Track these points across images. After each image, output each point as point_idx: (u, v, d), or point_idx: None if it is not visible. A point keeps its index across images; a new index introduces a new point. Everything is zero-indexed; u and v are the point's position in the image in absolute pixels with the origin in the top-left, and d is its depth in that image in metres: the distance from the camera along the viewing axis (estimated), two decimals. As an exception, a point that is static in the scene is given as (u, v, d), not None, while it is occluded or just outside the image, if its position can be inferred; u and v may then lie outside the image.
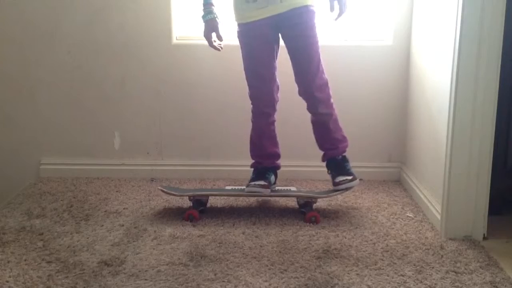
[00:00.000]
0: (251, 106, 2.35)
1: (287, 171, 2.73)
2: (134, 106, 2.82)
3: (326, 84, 2.29)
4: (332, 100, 2.31)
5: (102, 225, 2.23)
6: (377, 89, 2.78)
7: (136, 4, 2.71)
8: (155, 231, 2.17)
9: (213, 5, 2.30)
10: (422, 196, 2.44)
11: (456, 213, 2.10)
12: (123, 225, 2.23)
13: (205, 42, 2.74)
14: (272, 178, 2.40)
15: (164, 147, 2.86)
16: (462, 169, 2.06)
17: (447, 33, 2.11)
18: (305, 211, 2.31)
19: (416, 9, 2.63)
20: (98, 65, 2.78)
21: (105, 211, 2.38)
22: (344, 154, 2.37)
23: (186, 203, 2.41)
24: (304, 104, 2.32)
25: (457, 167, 2.06)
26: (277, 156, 2.42)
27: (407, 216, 2.35)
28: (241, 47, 2.31)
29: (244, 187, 2.35)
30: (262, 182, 2.33)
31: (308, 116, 2.34)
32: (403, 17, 2.69)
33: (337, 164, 2.36)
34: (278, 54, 2.31)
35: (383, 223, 2.27)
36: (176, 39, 2.77)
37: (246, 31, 2.27)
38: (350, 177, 2.32)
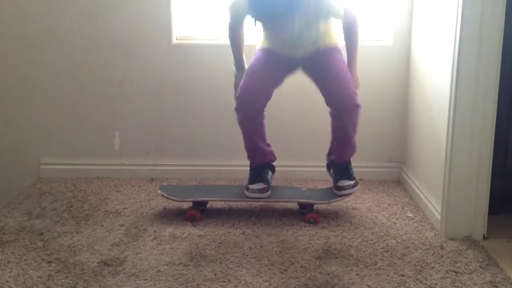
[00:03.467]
0: (238, 115, 2.25)
1: (287, 171, 2.74)
2: (134, 106, 2.82)
3: (356, 107, 2.21)
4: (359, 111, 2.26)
5: (102, 225, 2.23)
6: (377, 89, 2.78)
7: (136, 4, 2.71)
8: (155, 231, 2.17)
9: (243, 61, 2.36)
10: (422, 196, 2.44)
11: (456, 213, 2.10)
12: (123, 225, 2.23)
13: (205, 42, 2.76)
14: (270, 175, 2.41)
15: (164, 147, 2.86)
16: (462, 169, 2.06)
17: (447, 33, 2.11)
18: (305, 212, 2.30)
19: (416, 9, 2.63)
20: (98, 65, 2.78)
21: (105, 211, 2.38)
22: (349, 160, 2.37)
23: (186, 203, 2.41)
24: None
25: (457, 167, 2.06)
26: (270, 151, 2.40)
27: (407, 216, 2.35)
28: (251, 63, 2.29)
29: (244, 186, 2.35)
30: (260, 186, 2.32)
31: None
32: (403, 17, 2.69)
33: (340, 167, 2.36)
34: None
35: (383, 223, 2.27)
36: (176, 39, 2.77)
37: (264, 51, 2.29)
38: (352, 182, 2.32)
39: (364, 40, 2.76)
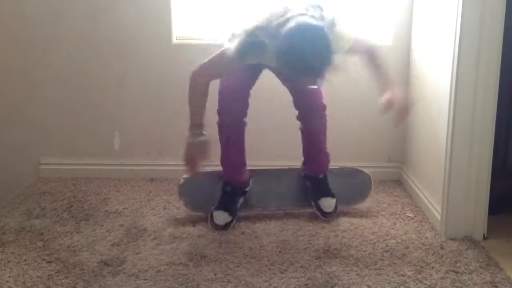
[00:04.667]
0: (220, 118, 2.15)
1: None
2: (134, 106, 2.82)
3: (324, 108, 2.22)
4: (326, 112, 2.23)
5: (102, 225, 2.23)
6: (377, 89, 2.77)
7: (136, 4, 2.71)
8: (155, 231, 2.17)
9: (203, 126, 1.97)
10: (422, 196, 2.44)
11: (456, 213, 2.10)
12: (123, 225, 2.23)
13: (205, 42, 2.74)
14: (240, 201, 2.26)
15: (164, 147, 2.86)
16: (462, 169, 2.06)
17: (447, 33, 2.11)
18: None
19: (416, 9, 2.63)
20: (98, 65, 2.78)
21: (105, 211, 2.38)
22: (326, 173, 2.32)
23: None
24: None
25: (457, 167, 2.06)
26: (246, 171, 2.26)
27: (407, 216, 2.35)
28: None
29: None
30: (225, 218, 2.19)
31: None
32: (403, 17, 2.68)
33: (318, 183, 2.32)
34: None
35: (383, 223, 2.27)
36: (176, 39, 2.77)
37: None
38: (333, 205, 2.28)
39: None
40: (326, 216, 2.27)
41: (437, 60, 2.28)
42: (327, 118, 2.24)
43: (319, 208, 2.28)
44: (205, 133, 1.95)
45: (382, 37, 2.76)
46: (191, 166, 1.96)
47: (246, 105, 2.17)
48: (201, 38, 2.77)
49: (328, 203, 2.28)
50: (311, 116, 2.22)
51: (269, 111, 2.64)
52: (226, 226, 2.18)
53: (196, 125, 1.95)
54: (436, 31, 2.31)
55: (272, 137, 2.70)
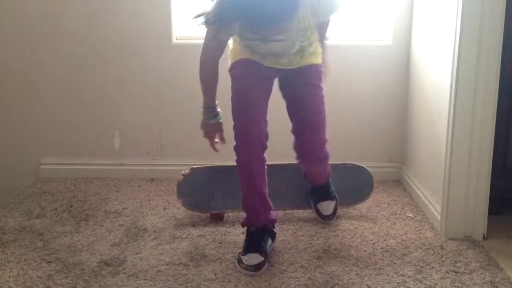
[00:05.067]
0: (241, 153, 1.94)
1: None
2: (134, 106, 2.82)
3: (326, 141, 2.08)
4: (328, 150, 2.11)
5: (102, 225, 2.23)
6: (377, 89, 2.77)
7: (136, 4, 2.71)
8: (155, 231, 2.17)
9: (217, 107, 2.00)
10: (422, 196, 2.44)
11: (456, 213, 2.10)
12: (123, 225, 2.23)
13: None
14: (269, 243, 1.99)
15: (164, 147, 2.86)
16: (462, 169, 2.06)
17: (447, 33, 2.11)
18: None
19: (416, 9, 2.62)
20: (98, 65, 2.78)
21: (105, 211, 2.38)
22: (328, 180, 2.24)
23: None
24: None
25: (457, 167, 2.06)
26: (271, 207, 2.02)
27: (407, 216, 2.35)
28: (233, 80, 1.98)
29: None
30: (257, 259, 1.88)
31: None
32: (403, 17, 2.68)
33: (319, 188, 2.25)
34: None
35: (383, 223, 2.27)
36: (176, 39, 2.77)
37: (242, 63, 1.98)
38: (332, 208, 2.23)
39: (363, 40, 2.77)
40: (325, 219, 2.25)
41: (437, 60, 2.28)
42: (327, 162, 2.15)
43: (318, 211, 2.27)
44: (219, 110, 2.02)
45: (382, 37, 2.77)
46: (211, 142, 2.06)
47: (261, 131, 1.95)
48: (201, 38, 2.77)
49: (327, 206, 2.24)
50: (309, 161, 2.13)
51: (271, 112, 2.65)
52: (259, 266, 1.87)
53: (209, 107, 2.01)
54: (436, 30, 2.31)
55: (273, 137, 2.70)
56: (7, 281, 1.79)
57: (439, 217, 2.17)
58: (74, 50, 2.76)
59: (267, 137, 1.97)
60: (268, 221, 2.01)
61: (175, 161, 2.87)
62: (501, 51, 1.98)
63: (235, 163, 1.97)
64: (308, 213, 2.34)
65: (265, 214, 1.99)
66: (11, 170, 2.82)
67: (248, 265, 1.86)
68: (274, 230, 2.05)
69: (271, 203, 2.01)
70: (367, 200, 2.41)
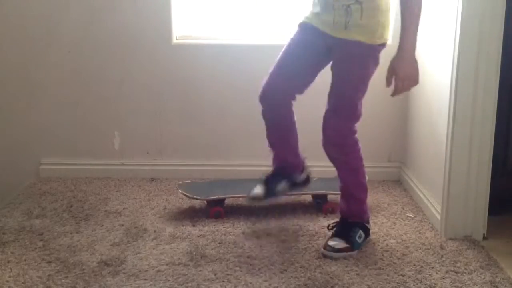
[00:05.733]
0: (261, 105, 2.02)
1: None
2: (134, 106, 2.82)
3: (347, 128, 1.96)
4: (353, 149, 2.00)
5: (102, 225, 2.23)
6: (377, 89, 2.77)
7: (136, 4, 2.71)
8: (155, 231, 2.17)
9: None
10: (422, 196, 2.44)
11: (456, 213, 2.10)
12: (123, 225, 2.23)
13: (205, 42, 2.75)
14: (282, 185, 2.08)
15: (164, 147, 2.86)
16: (462, 169, 2.06)
17: (447, 33, 2.11)
18: (321, 202, 2.34)
19: (416, 9, 2.62)
20: (98, 65, 2.78)
21: (105, 211, 2.38)
22: (357, 220, 2.03)
23: (186, 203, 2.41)
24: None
25: (457, 167, 2.06)
26: (297, 161, 2.10)
27: (407, 216, 2.35)
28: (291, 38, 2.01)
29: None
30: (258, 191, 2.05)
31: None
32: (403, 17, 2.68)
33: (342, 224, 2.05)
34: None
35: (383, 223, 2.27)
36: (176, 39, 2.77)
37: (302, 28, 1.99)
38: (339, 246, 1.96)
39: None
40: (326, 249, 1.98)
41: (437, 59, 2.28)
42: (354, 155, 2.00)
43: (324, 245, 2.00)
44: None
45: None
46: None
47: (291, 92, 2.00)
48: (201, 38, 2.78)
49: (335, 242, 1.99)
50: (324, 141, 1.97)
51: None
52: (255, 199, 2.05)
53: None
54: (436, 31, 2.31)
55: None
56: (7, 281, 1.79)
57: (439, 217, 2.17)
58: (74, 50, 2.76)
59: (294, 96, 2.00)
60: (290, 164, 2.09)
61: (175, 161, 2.87)
62: (501, 51, 1.98)
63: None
64: (308, 213, 2.34)
65: (286, 155, 2.08)
66: (11, 170, 2.82)
67: (252, 196, 2.05)
68: (294, 174, 2.12)
69: (298, 147, 2.08)
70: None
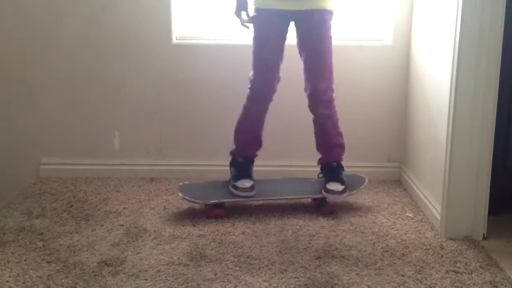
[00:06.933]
0: (248, 90, 2.34)
1: (287, 171, 2.73)
2: (134, 106, 2.82)
3: (330, 88, 2.32)
4: (334, 104, 2.34)
5: (102, 225, 2.23)
6: (377, 89, 2.77)
7: (136, 4, 2.71)
8: (155, 231, 2.17)
9: None
10: (422, 196, 2.44)
11: (456, 213, 2.10)
12: (123, 225, 2.23)
13: (205, 42, 2.76)
14: (252, 169, 2.42)
15: (164, 147, 2.86)
16: (462, 169, 2.06)
17: (447, 33, 2.11)
18: (320, 204, 2.36)
19: (416, 8, 2.63)
20: (98, 65, 2.78)
21: (105, 211, 2.38)
22: (339, 161, 2.39)
23: (186, 203, 2.41)
24: (303, 103, 2.31)
25: (457, 167, 2.06)
26: (260, 145, 2.43)
27: (407, 216, 2.35)
28: (254, 31, 2.32)
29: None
30: (249, 183, 2.34)
31: (307, 116, 2.34)
32: (403, 17, 2.68)
33: (330, 170, 2.38)
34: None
35: (383, 223, 2.27)
36: (176, 39, 2.77)
37: (261, 16, 2.28)
38: (340, 189, 2.30)
39: (364, 40, 2.77)
40: (333, 193, 2.29)
41: (437, 60, 2.28)
42: (334, 109, 2.34)
43: (326, 190, 2.31)
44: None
45: (381, 36, 2.77)
46: (240, 21, 2.37)
47: (277, 78, 2.30)
48: (201, 38, 2.78)
49: (335, 186, 2.31)
50: (315, 103, 2.31)
51: (273, 112, 2.65)
52: (253, 187, 2.31)
53: None
54: (436, 31, 2.31)
55: (274, 137, 2.70)
56: (7, 281, 1.79)
57: (439, 217, 2.17)
58: (74, 50, 2.77)
59: (278, 81, 2.31)
60: (254, 155, 2.42)
61: (175, 161, 2.87)
62: (501, 51, 1.98)
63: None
64: (308, 213, 2.34)
65: (258, 147, 2.40)
66: (11, 170, 2.82)
67: (244, 188, 2.29)
68: (255, 158, 2.44)
69: (262, 143, 2.40)
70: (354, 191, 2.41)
